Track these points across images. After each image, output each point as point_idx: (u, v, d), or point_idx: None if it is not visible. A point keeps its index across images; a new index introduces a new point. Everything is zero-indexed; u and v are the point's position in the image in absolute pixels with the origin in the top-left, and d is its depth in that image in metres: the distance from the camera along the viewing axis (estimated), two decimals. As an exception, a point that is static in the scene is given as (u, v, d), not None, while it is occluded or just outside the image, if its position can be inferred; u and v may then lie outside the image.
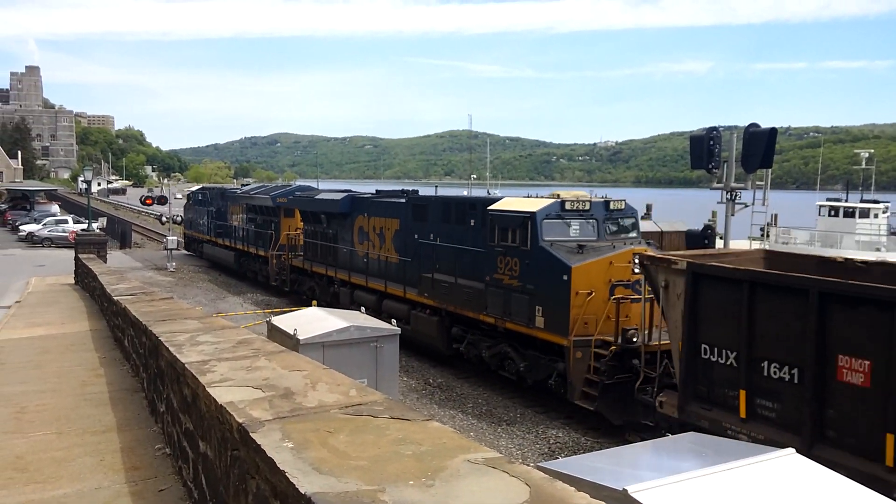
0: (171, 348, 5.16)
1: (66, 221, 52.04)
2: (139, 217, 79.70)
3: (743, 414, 10.68)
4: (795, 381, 9.95)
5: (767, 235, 37.84)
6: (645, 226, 51.28)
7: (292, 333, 12.74)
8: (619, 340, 13.71)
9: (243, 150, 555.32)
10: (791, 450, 6.48)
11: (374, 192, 26.01)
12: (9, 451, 5.72)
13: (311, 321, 13.74)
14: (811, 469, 6.10)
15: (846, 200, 44.01)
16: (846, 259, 12.31)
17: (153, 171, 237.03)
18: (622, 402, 13.56)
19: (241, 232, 33.55)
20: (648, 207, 74.34)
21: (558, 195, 16.40)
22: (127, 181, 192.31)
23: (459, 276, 17.59)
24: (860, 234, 39.98)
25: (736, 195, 20.92)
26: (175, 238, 39.16)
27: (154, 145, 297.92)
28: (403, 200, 21.40)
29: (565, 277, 14.45)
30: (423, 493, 2.22)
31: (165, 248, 38.65)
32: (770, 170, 20.87)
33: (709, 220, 43.62)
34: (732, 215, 21.15)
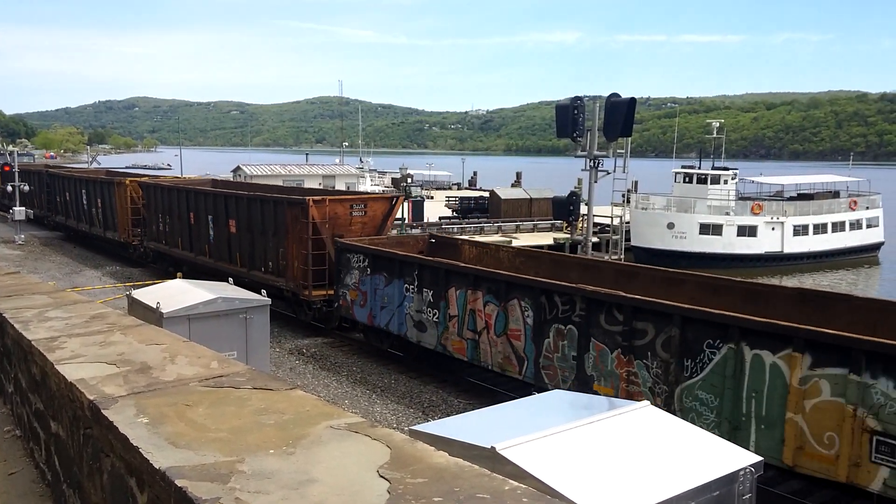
0: (16, 325, 4.82)
1: None
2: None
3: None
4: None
5: (628, 201, 39.67)
6: (515, 193, 52.30)
7: (155, 307, 12.20)
8: None
9: (98, 115, 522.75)
10: (646, 402, 6.91)
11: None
12: None
13: (176, 294, 13.19)
14: (663, 419, 6.54)
15: (699, 168, 46.70)
16: None
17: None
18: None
19: None
20: (518, 175, 76.07)
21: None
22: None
23: None
24: (711, 199, 42.67)
25: (599, 163, 21.70)
26: (23, 209, 36.31)
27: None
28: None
29: None
30: (283, 462, 2.21)
31: (12, 220, 35.92)
32: (630, 138, 21.77)
33: (575, 187, 45.13)
34: (595, 182, 21.94)
